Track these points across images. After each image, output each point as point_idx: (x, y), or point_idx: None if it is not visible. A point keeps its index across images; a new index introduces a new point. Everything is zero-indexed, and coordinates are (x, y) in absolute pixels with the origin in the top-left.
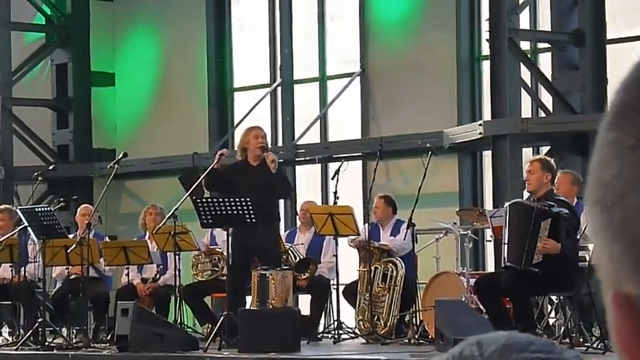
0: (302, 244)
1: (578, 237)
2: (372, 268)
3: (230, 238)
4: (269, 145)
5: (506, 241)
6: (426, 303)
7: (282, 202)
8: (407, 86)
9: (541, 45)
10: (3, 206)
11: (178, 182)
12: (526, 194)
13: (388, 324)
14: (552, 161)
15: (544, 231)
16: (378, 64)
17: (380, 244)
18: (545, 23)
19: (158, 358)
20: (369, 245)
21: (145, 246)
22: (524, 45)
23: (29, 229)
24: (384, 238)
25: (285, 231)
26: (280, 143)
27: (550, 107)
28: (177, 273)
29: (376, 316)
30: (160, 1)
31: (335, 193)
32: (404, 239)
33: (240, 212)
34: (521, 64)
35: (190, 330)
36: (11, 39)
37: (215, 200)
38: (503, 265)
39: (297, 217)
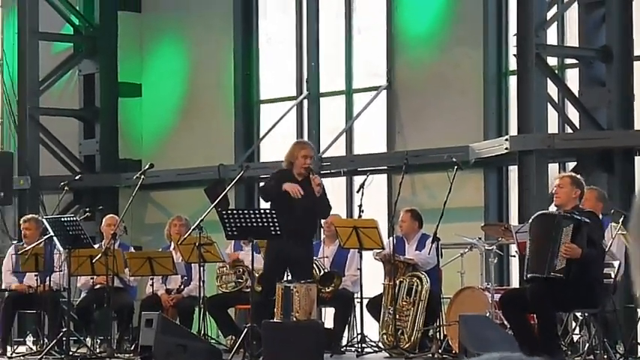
0: (326, 257)
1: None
2: (397, 281)
3: (266, 248)
4: (316, 160)
5: (528, 255)
6: (450, 318)
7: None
8: (433, 100)
9: (568, 61)
10: (29, 216)
11: (204, 193)
12: (554, 208)
13: (412, 338)
14: (582, 179)
15: (566, 236)
16: (404, 77)
17: (405, 258)
18: (572, 39)
19: None
20: (395, 259)
21: (169, 257)
22: (552, 61)
23: (55, 238)
24: (410, 252)
25: None
26: None
27: (576, 123)
28: (201, 284)
29: (400, 330)
30: (187, 13)
31: (360, 206)
32: (429, 254)
33: (265, 224)
34: (548, 79)
35: (214, 341)
36: (39, 49)
37: (240, 212)
38: (524, 278)
39: (322, 230)
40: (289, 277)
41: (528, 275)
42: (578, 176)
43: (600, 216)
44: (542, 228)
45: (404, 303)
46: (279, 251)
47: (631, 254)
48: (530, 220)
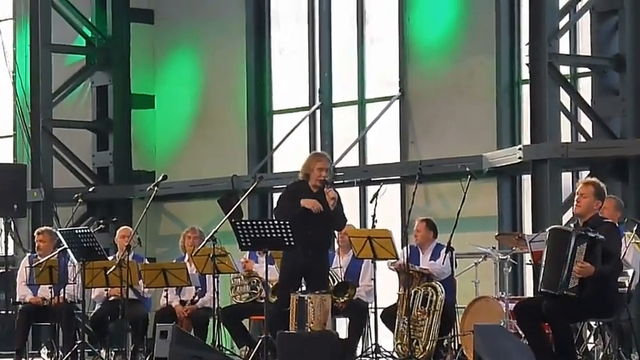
0: (340, 267)
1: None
2: (412, 291)
3: (282, 259)
4: (332, 172)
5: (543, 266)
6: (465, 327)
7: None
8: (446, 110)
9: (581, 70)
10: (43, 228)
11: (217, 204)
12: (567, 216)
13: (427, 348)
14: (605, 188)
15: (580, 255)
16: (417, 87)
17: (420, 268)
18: (585, 48)
19: None
20: (409, 269)
21: (183, 268)
22: (564, 70)
23: (69, 250)
24: (424, 262)
25: None
26: None
27: (590, 132)
28: (215, 295)
29: (415, 340)
30: (200, 24)
31: (373, 216)
32: (443, 263)
33: (279, 235)
34: (561, 88)
35: (228, 352)
36: (52, 61)
37: (254, 223)
38: (539, 289)
39: (336, 240)
40: (304, 288)
41: (542, 289)
42: (602, 185)
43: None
44: (556, 245)
45: (419, 313)
46: (294, 263)
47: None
48: (547, 232)
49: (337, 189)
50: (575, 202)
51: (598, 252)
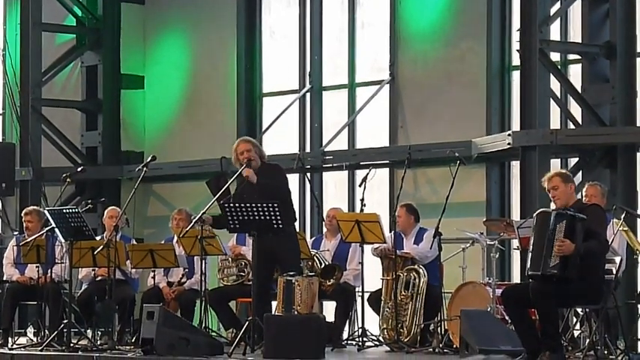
0: (328, 250)
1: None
2: (395, 276)
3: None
4: (263, 152)
5: (530, 251)
6: (452, 312)
7: (308, 208)
8: (436, 95)
9: (571, 57)
10: (31, 208)
11: (206, 186)
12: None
13: (412, 332)
14: (565, 171)
15: (559, 233)
16: (407, 72)
17: (402, 253)
18: (576, 35)
19: None
20: (392, 253)
21: (171, 249)
22: (555, 56)
23: (57, 230)
24: (407, 246)
25: (311, 237)
26: (308, 149)
27: (579, 119)
28: (202, 277)
29: (400, 324)
30: (191, 6)
31: (362, 200)
32: (430, 248)
33: (268, 217)
34: (551, 75)
35: (215, 334)
36: (42, 40)
37: (242, 205)
38: (526, 275)
39: (324, 223)
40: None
41: (529, 273)
42: (563, 171)
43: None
44: (540, 227)
45: (402, 297)
46: (258, 246)
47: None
48: (534, 217)
49: (326, 172)
50: (552, 198)
51: (579, 230)
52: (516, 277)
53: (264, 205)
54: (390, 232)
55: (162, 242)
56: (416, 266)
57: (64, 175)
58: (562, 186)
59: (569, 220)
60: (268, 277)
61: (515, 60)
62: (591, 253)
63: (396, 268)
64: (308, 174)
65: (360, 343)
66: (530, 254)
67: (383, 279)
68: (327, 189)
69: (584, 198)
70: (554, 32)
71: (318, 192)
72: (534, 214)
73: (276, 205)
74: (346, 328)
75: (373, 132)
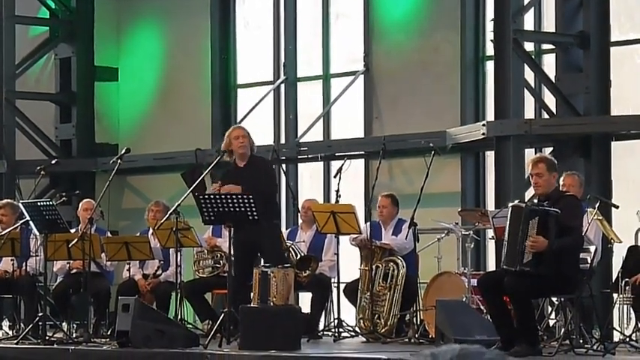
0: (303, 241)
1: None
2: (374, 267)
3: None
4: (254, 143)
5: (504, 243)
6: (427, 303)
7: (284, 199)
8: (411, 85)
9: (545, 46)
10: (5, 201)
11: (181, 178)
12: (530, 192)
13: (389, 323)
14: (551, 157)
15: (532, 229)
16: (382, 62)
17: (381, 243)
18: (549, 25)
19: (159, 354)
20: (371, 244)
21: (146, 242)
22: (529, 46)
23: (31, 223)
24: (386, 237)
25: (286, 229)
26: (283, 141)
27: (554, 109)
28: (178, 269)
29: (377, 315)
30: None
31: (337, 191)
32: (405, 238)
33: (243, 209)
34: (525, 65)
35: (191, 326)
36: (15, 32)
37: (217, 197)
38: (501, 266)
39: (299, 214)
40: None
41: (503, 267)
42: (550, 157)
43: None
44: (513, 221)
45: (380, 288)
46: (240, 238)
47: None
48: (509, 208)
49: (301, 164)
50: (533, 184)
51: (552, 226)
52: (491, 267)
53: (240, 196)
54: (366, 222)
55: (138, 234)
56: (394, 257)
57: (38, 168)
58: (546, 175)
59: (543, 215)
60: (248, 269)
61: (490, 50)
62: (565, 249)
63: (375, 258)
64: (283, 165)
65: (337, 334)
66: (505, 247)
67: (361, 269)
68: (303, 180)
69: (561, 187)
70: (528, 22)
71: (294, 183)
72: (509, 206)
73: (251, 196)
74: (322, 319)
75: (348, 123)
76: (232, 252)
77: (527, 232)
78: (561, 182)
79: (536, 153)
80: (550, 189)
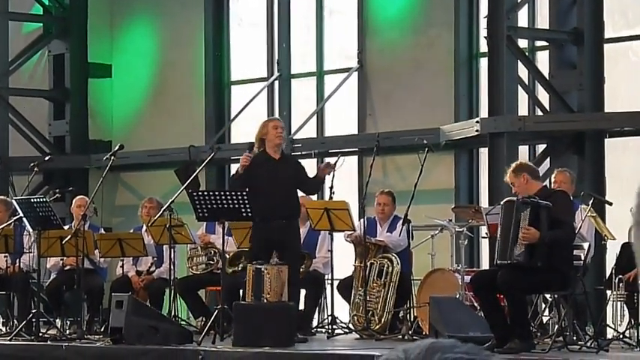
0: None
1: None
2: (368, 263)
3: (251, 231)
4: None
5: (498, 239)
6: (421, 299)
7: None
8: (404, 82)
9: (539, 43)
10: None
11: (174, 175)
12: None
13: (382, 320)
14: (519, 161)
15: (524, 221)
16: (375, 59)
17: (376, 240)
18: (543, 21)
19: (152, 351)
20: (366, 241)
21: (140, 238)
22: (523, 43)
23: (25, 219)
24: (382, 234)
25: None
26: None
27: (547, 106)
28: (171, 266)
29: (370, 312)
30: None
31: (331, 188)
32: (399, 235)
33: (236, 205)
34: (519, 62)
35: (184, 323)
36: (9, 29)
37: (211, 193)
38: (495, 263)
39: None
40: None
41: (497, 262)
42: (514, 164)
43: (571, 198)
44: (505, 215)
45: (374, 285)
46: (265, 234)
47: (634, 242)
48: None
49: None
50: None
51: (544, 218)
52: (485, 264)
53: (234, 193)
54: (360, 219)
55: (131, 231)
56: (389, 254)
57: (31, 165)
58: (516, 180)
59: (534, 207)
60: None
61: (483, 47)
62: (557, 241)
63: (369, 255)
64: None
65: (330, 331)
66: (497, 243)
67: (355, 266)
68: None
69: (552, 184)
70: (522, 19)
71: None
72: (501, 203)
73: (245, 193)
74: (316, 315)
75: (342, 120)
76: (251, 250)
77: (519, 224)
78: (553, 179)
79: (530, 150)
80: (530, 189)
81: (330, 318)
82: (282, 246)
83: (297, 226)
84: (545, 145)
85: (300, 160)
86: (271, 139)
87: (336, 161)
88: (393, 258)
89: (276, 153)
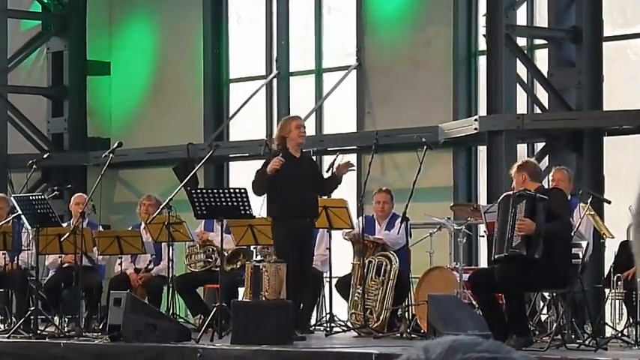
0: None
1: (572, 234)
2: (366, 261)
3: (273, 229)
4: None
5: (495, 237)
6: (419, 297)
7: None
8: (403, 80)
9: (538, 41)
10: (1, 195)
11: (173, 172)
12: None
13: (381, 317)
14: (526, 160)
15: (520, 213)
16: (374, 57)
17: (374, 238)
18: (542, 20)
19: (150, 349)
20: (364, 239)
21: (138, 236)
22: (521, 41)
23: (23, 217)
24: (380, 231)
25: None
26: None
27: (546, 104)
28: (170, 263)
29: (369, 310)
30: None
31: None
32: (398, 233)
33: (235, 203)
34: (517, 60)
35: (182, 320)
36: (7, 26)
37: (209, 191)
38: (492, 260)
39: None
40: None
41: (495, 257)
42: (522, 160)
43: (569, 196)
44: (502, 210)
45: (373, 283)
46: (290, 233)
47: (632, 243)
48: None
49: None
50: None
51: (540, 210)
52: (483, 262)
53: (233, 190)
54: (358, 217)
55: (130, 229)
56: (387, 252)
57: (30, 162)
58: (515, 176)
59: (530, 199)
60: (296, 262)
61: (482, 45)
62: (554, 233)
63: (368, 253)
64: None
65: (328, 329)
66: (495, 239)
67: (353, 264)
68: None
69: (550, 182)
70: (521, 17)
71: None
72: (499, 199)
73: (243, 190)
74: (314, 313)
75: (340, 118)
76: (281, 245)
77: (515, 217)
78: (551, 177)
79: (528, 148)
80: (528, 187)
81: (328, 316)
82: (303, 245)
83: (314, 227)
84: (543, 144)
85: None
86: (294, 137)
87: (334, 159)
88: (391, 256)
89: (297, 152)
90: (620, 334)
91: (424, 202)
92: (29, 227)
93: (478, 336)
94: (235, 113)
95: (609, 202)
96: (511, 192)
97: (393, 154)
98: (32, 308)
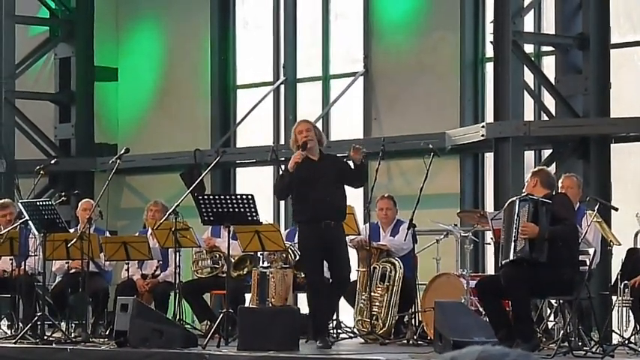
0: None
1: (580, 241)
2: (371, 268)
3: (298, 234)
4: (322, 135)
5: (502, 242)
6: (426, 304)
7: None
8: (410, 87)
9: (545, 48)
10: (7, 200)
11: (180, 178)
12: None
13: (387, 324)
14: (544, 167)
15: (523, 217)
16: (381, 63)
17: (379, 245)
18: (549, 26)
19: (157, 354)
20: (368, 245)
21: (145, 241)
22: (528, 48)
23: (30, 222)
24: (385, 238)
25: (285, 229)
26: (282, 141)
27: (553, 110)
28: (177, 269)
29: (375, 316)
30: None
31: None
32: (404, 240)
33: (242, 209)
34: (524, 66)
35: (189, 326)
36: (15, 32)
37: (216, 197)
38: (499, 266)
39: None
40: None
41: (501, 262)
42: (540, 166)
43: (578, 204)
44: (507, 216)
45: (378, 289)
46: (318, 236)
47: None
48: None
49: None
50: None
51: (543, 214)
52: (490, 269)
53: (240, 196)
54: (365, 223)
55: (136, 234)
56: (392, 258)
57: (37, 168)
58: (529, 180)
59: (533, 203)
60: (321, 267)
61: (489, 51)
62: (558, 236)
63: (372, 260)
64: (282, 166)
65: (335, 335)
66: (501, 245)
67: (358, 270)
68: None
69: (559, 189)
70: (528, 24)
71: None
72: (505, 206)
73: (250, 196)
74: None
75: (347, 124)
76: (303, 250)
77: (519, 221)
78: (560, 184)
79: (535, 154)
80: (536, 193)
81: (334, 322)
82: (331, 248)
83: (343, 229)
84: (550, 150)
85: (338, 155)
86: (298, 141)
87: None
88: (396, 262)
89: (314, 155)
90: (627, 342)
91: (431, 208)
92: (36, 233)
93: (484, 343)
94: (242, 119)
95: (616, 209)
96: (516, 198)
97: (400, 160)
98: (39, 314)
